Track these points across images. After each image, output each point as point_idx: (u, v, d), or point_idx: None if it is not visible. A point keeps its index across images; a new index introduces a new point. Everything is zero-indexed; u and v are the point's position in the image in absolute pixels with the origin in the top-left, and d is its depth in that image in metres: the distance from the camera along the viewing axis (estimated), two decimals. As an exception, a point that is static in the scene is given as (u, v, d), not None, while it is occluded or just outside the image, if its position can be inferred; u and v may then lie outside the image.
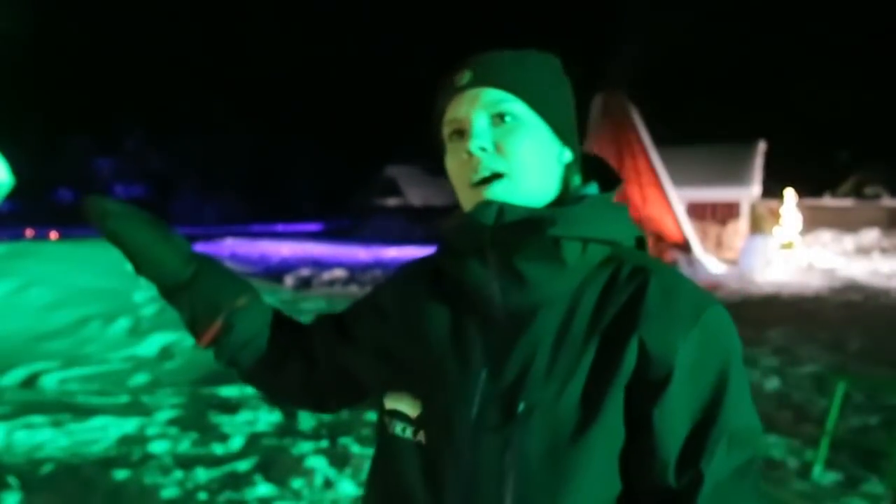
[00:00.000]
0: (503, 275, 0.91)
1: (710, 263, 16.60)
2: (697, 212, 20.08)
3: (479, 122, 0.92)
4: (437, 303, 0.98)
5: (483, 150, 0.91)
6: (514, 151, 0.91)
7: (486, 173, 0.91)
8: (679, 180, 17.98)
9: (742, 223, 20.01)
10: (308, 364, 1.13)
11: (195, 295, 1.06)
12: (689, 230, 17.20)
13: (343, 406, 1.21)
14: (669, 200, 17.02)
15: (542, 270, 0.90)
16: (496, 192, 0.91)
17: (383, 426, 0.98)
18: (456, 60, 0.98)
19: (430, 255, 1.09)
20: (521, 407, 0.85)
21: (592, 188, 0.99)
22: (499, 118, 0.92)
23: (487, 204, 0.90)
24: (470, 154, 0.92)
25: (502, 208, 0.89)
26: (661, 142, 17.82)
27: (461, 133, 0.94)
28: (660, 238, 16.84)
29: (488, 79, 0.92)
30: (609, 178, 1.02)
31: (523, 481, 0.84)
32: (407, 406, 0.94)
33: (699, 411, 0.86)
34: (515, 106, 0.92)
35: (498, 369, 0.89)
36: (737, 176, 20.13)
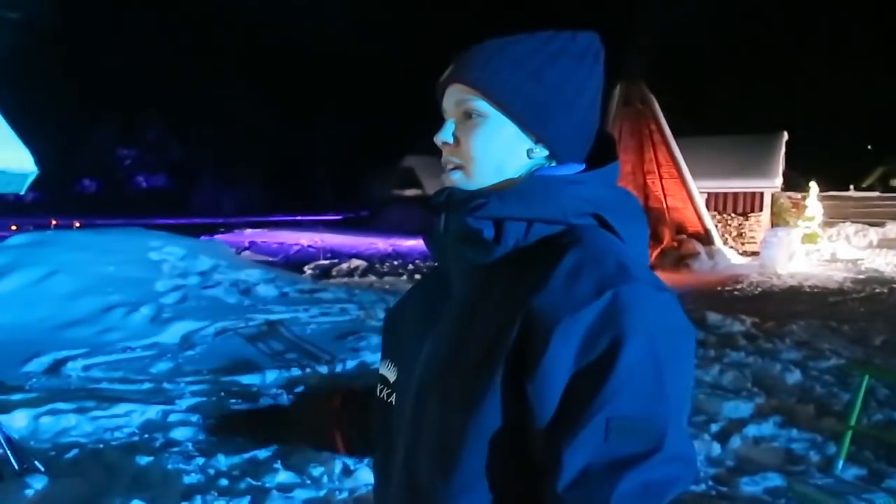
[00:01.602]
0: (457, 256, 0.98)
1: (731, 255, 16.46)
2: (719, 203, 19.88)
3: (450, 116, 0.99)
4: (429, 282, 1.09)
5: (445, 143, 0.99)
6: (469, 148, 0.96)
7: (448, 164, 0.99)
8: (701, 172, 17.79)
9: (764, 215, 19.77)
10: None
11: None
12: (710, 222, 17.04)
13: None
14: (690, 192, 16.86)
15: (479, 249, 0.94)
16: (454, 179, 0.99)
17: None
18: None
19: None
20: (434, 374, 0.93)
21: (566, 169, 0.97)
22: (465, 115, 0.97)
23: (442, 190, 1.00)
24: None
25: (451, 192, 0.98)
26: (682, 133, 17.63)
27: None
28: (680, 229, 16.72)
29: (460, 76, 0.97)
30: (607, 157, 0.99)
31: (425, 442, 0.92)
32: (389, 371, 1.06)
33: (575, 389, 0.81)
34: (480, 104, 0.96)
35: (435, 341, 0.97)
36: (759, 168, 19.85)
